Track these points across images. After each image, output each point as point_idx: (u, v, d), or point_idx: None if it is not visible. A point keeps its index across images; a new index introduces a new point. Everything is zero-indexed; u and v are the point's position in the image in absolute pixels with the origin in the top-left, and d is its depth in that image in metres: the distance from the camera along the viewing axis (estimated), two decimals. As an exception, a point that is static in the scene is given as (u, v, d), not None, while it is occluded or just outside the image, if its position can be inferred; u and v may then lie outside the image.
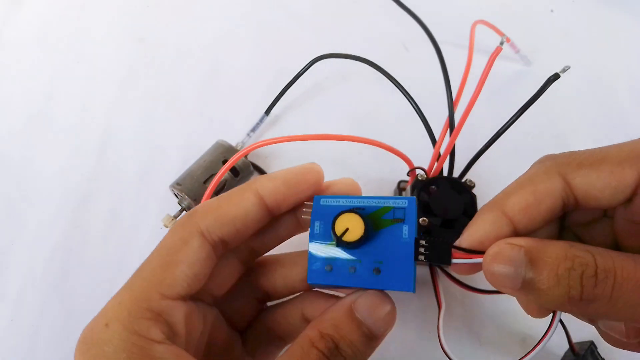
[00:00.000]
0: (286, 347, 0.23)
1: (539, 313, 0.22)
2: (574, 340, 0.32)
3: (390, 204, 0.24)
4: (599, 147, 0.19)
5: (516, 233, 0.20)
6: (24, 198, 0.41)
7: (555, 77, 0.25)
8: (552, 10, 0.54)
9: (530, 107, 0.39)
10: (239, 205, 0.21)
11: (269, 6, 0.53)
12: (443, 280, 0.37)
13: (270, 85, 0.45)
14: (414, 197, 0.26)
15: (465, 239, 0.20)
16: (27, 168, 0.43)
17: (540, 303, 0.19)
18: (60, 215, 0.40)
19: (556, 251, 0.17)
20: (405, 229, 0.23)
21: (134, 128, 0.45)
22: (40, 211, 0.41)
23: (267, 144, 0.33)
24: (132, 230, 0.40)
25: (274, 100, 0.43)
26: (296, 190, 0.23)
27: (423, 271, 0.38)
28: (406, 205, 0.24)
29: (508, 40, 0.45)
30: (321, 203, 0.24)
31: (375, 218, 0.23)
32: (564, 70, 0.24)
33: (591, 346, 0.33)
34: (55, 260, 0.38)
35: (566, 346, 0.33)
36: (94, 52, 0.50)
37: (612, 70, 0.49)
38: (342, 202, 0.24)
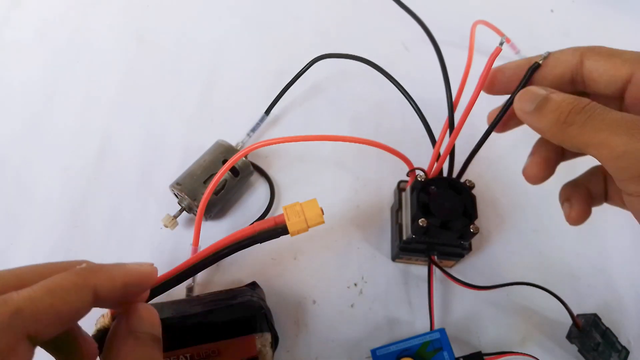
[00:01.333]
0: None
1: (577, 219, 0.29)
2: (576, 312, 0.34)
3: (427, 338, 0.33)
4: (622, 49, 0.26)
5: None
6: (24, 198, 0.41)
7: (537, 66, 0.27)
8: (552, 10, 0.54)
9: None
10: (71, 305, 0.20)
11: (269, 6, 0.53)
12: (443, 280, 0.38)
13: (270, 85, 0.45)
14: (443, 328, 0.33)
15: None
16: (27, 168, 0.43)
17: (538, 126, 0.25)
18: (60, 215, 0.40)
19: (566, 95, 0.24)
20: (445, 355, 0.32)
21: (133, 128, 0.45)
22: (40, 211, 0.41)
23: (267, 145, 0.33)
24: (132, 230, 0.40)
25: (274, 100, 0.43)
26: (131, 293, 0.23)
27: (422, 271, 0.39)
28: (439, 336, 0.32)
29: (508, 40, 0.45)
30: (378, 354, 0.33)
31: (421, 353, 0.32)
32: (544, 58, 0.27)
33: (595, 318, 0.34)
34: (55, 260, 0.37)
35: (569, 323, 0.34)
36: (94, 52, 0.50)
37: None
38: (393, 348, 0.33)
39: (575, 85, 0.27)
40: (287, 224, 0.27)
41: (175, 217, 0.38)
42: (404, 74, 0.38)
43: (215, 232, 0.40)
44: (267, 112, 0.44)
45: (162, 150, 0.44)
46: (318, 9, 0.53)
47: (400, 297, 0.38)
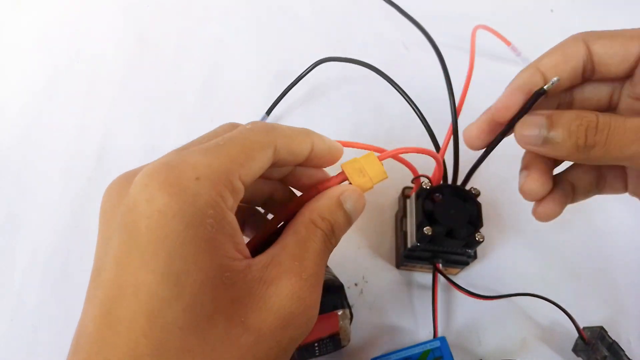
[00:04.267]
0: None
1: (547, 215, 0.28)
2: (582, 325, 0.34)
3: (428, 347, 0.32)
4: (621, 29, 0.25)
5: (545, 83, 0.25)
6: (24, 198, 0.41)
7: (542, 92, 0.25)
8: (552, 10, 0.53)
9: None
10: (301, 145, 0.23)
11: (269, 7, 0.53)
12: (445, 287, 0.37)
13: (270, 87, 0.45)
14: (444, 337, 0.33)
15: (508, 87, 0.26)
16: (27, 168, 0.42)
17: (555, 155, 0.25)
18: (60, 215, 0.40)
19: (570, 115, 0.23)
20: None
21: (134, 128, 0.45)
22: (40, 211, 0.40)
23: None
24: None
25: (275, 101, 0.43)
26: (329, 159, 0.26)
27: (425, 278, 0.38)
28: (439, 344, 0.32)
29: (509, 43, 0.44)
30: None
31: None
32: (552, 84, 0.25)
33: (601, 331, 0.33)
34: (55, 260, 0.38)
35: (576, 335, 0.34)
36: (94, 52, 0.49)
37: None
38: (393, 358, 0.32)
39: (585, 75, 0.26)
40: (354, 184, 0.25)
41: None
42: (406, 79, 0.37)
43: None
44: (268, 113, 0.44)
45: (163, 151, 0.42)
46: (319, 11, 0.53)
47: (402, 304, 0.37)
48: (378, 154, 0.26)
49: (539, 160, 0.28)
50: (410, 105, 0.35)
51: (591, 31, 0.25)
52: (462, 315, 0.37)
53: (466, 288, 0.34)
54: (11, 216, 0.40)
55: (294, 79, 0.43)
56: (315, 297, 0.21)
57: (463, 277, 0.38)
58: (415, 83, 0.39)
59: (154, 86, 0.47)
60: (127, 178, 0.21)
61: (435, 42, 0.36)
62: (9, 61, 0.49)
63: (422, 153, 0.28)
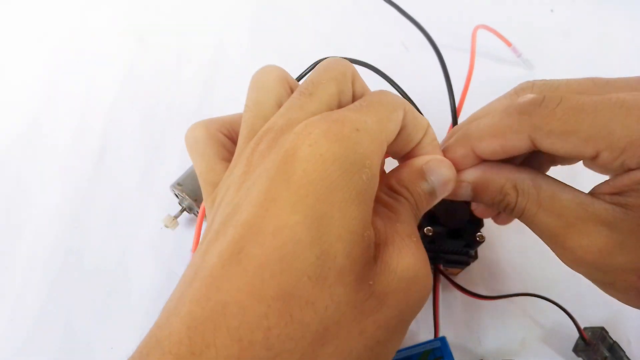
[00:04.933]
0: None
1: (503, 222, 0.30)
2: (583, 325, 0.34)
3: (428, 347, 0.32)
4: (580, 105, 0.21)
5: (480, 160, 0.24)
6: (24, 198, 0.41)
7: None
8: (552, 10, 0.53)
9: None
10: (423, 123, 0.23)
11: (269, 7, 0.53)
12: (445, 287, 0.37)
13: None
14: (444, 337, 0.32)
15: (446, 152, 0.25)
16: (27, 168, 0.43)
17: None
18: (60, 215, 0.40)
19: (492, 187, 0.23)
20: None
21: (134, 128, 0.45)
22: (40, 211, 0.41)
23: None
24: (132, 230, 0.40)
25: (275, 101, 0.43)
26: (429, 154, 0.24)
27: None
28: (440, 345, 0.32)
29: (510, 44, 0.44)
30: None
31: None
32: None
33: (602, 332, 0.33)
34: (55, 260, 0.38)
35: (576, 335, 0.34)
36: (94, 52, 0.49)
37: (611, 70, 0.48)
38: (393, 357, 0.30)
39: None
40: None
41: (176, 217, 0.38)
42: (406, 77, 0.37)
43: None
44: (270, 112, 0.43)
45: (163, 151, 0.43)
46: (319, 11, 0.53)
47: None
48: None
49: None
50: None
51: (539, 118, 0.21)
52: (462, 315, 0.37)
53: (467, 288, 0.34)
54: (11, 216, 0.40)
55: (294, 78, 0.42)
56: (429, 266, 0.20)
57: (463, 277, 0.38)
58: (415, 83, 0.38)
59: (154, 86, 0.47)
60: (274, 131, 0.20)
61: (435, 42, 0.36)
62: (10, 61, 0.49)
63: None
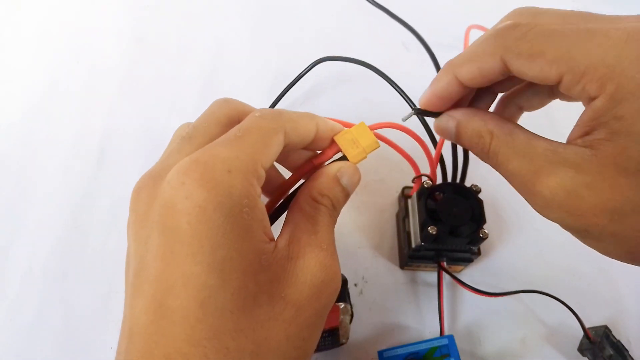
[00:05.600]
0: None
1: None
2: (589, 325, 0.34)
3: (435, 344, 0.32)
4: (550, 31, 0.22)
5: (465, 88, 0.25)
6: (24, 198, 0.41)
7: (415, 112, 0.27)
8: None
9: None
10: (307, 127, 0.25)
11: (269, 7, 0.53)
12: (449, 285, 0.37)
13: (270, 86, 0.45)
14: (452, 335, 0.33)
15: (428, 93, 0.26)
16: (27, 168, 0.42)
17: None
18: (60, 215, 0.40)
19: (471, 128, 0.24)
20: None
21: (133, 128, 0.45)
22: (39, 211, 0.40)
23: None
24: None
25: (274, 101, 0.43)
26: (329, 138, 0.26)
27: (429, 276, 0.38)
28: (447, 342, 0.32)
29: None
30: (385, 356, 0.33)
31: (429, 358, 0.32)
32: (409, 116, 0.27)
33: (606, 331, 0.33)
34: (55, 260, 0.38)
35: (581, 334, 0.34)
36: (94, 52, 0.49)
37: None
38: (400, 352, 0.33)
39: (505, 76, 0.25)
40: (348, 157, 0.26)
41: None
42: (405, 76, 0.37)
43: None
44: (269, 112, 0.43)
45: (163, 150, 0.43)
46: (319, 11, 0.53)
47: (405, 303, 0.37)
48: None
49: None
50: (408, 104, 0.35)
51: (511, 41, 0.23)
52: (466, 313, 0.37)
53: (470, 285, 0.34)
54: (11, 216, 0.40)
55: (293, 78, 0.42)
56: (337, 264, 0.23)
57: (466, 274, 0.38)
58: (414, 82, 0.39)
59: (154, 86, 0.47)
60: (153, 178, 0.22)
61: (426, 42, 0.36)
62: (10, 61, 0.48)
63: (405, 132, 0.30)
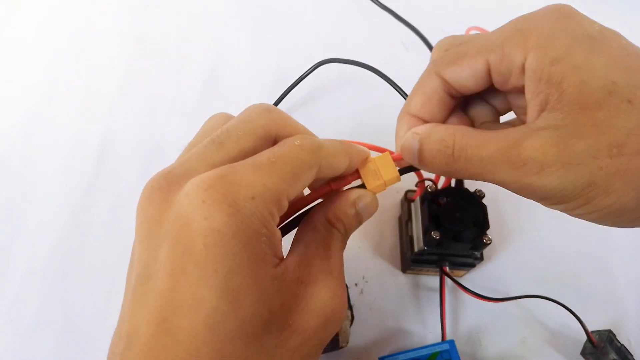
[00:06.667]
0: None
1: None
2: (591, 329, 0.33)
3: (437, 349, 0.32)
4: (471, 38, 0.25)
5: (425, 122, 0.26)
6: (24, 198, 0.41)
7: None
8: None
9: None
10: (343, 164, 0.24)
11: (270, 8, 0.52)
12: (451, 290, 0.37)
13: (271, 87, 0.45)
14: (452, 340, 0.33)
15: (398, 144, 0.26)
16: (27, 168, 0.42)
17: (431, 171, 0.25)
18: (60, 215, 0.40)
19: (434, 137, 0.24)
20: None
21: (134, 128, 0.44)
22: (40, 211, 0.40)
23: None
24: (132, 230, 0.38)
25: (275, 102, 0.43)
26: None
27: (431, 281, 0.38)
28: (448, 347, 0.32)
29: None
30: None
31: None
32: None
33: (610, 335, 0.33)
34: (55, 260, 0.38)
35: (584, 338, 0.34)
36: (94, 53, 0.49)
37: None
38: (401, 358, 0.32)
39: (453, 95, 0.26)
40: (367, 187, 0.26)
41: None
42: (406, 77, 0.37)
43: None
44: (270, 113, 0.43)
45: (163, 151, 0.43)
46: (320, 12, 0.52)
47: (406, 307, 0.37)
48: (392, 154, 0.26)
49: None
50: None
51: (441, 57, 0.25)
52: (468, 318, 0.37)
53: (473, 290, 0.34)
54: (11, 216, 0.40)
55: (295, 79, 0.42)
56: (345, 293, 0.23)
57: (468, 278, 0.38)
58: (415, 79, 0.38)
59: (154, 87, 0.47)
60: (169, 181, 0.21)
61: (428, 40, 0.35)
62: (11, 62, 0.48)
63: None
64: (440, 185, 0.33)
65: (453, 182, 0.35)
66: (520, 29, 0.22)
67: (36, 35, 0.50)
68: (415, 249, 0.34)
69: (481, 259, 0.35)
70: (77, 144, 0.43)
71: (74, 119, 0.45)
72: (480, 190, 0.33)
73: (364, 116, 0.46)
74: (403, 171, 0.26)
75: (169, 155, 0.42)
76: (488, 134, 0.22)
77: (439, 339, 0.34)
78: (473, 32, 0.41)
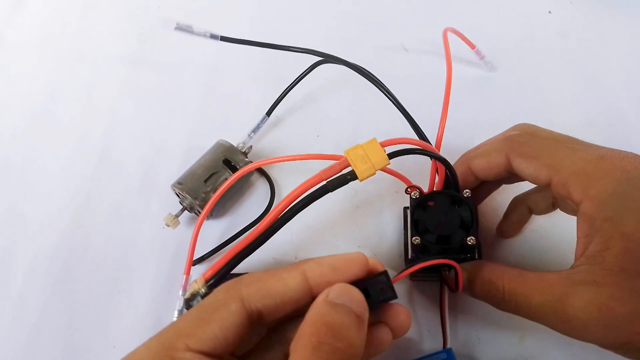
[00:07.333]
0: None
1: (510, 235, 0.38)
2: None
3: (434, 359, 0.32)
4: (545, 144, 0.28)
5: (476, 177, 0.32)
6: (27, 198, 0.42)
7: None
8: (549, 12, 0.52)
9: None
10: (283, 281, 0.22)
11: (270, 8, 0.52)
12: (450, 295, 0.36)
13: (271, 87, 0.45)
14: (450, 348, 0.32)
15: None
16: (29, 168, 0.43)
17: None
18: (62, 214, 0.41)
19: (482, 278, 0.28)
20: None
21: (135, 128, 0.45)
22: (42, 210, 0.41)
23: (272, 162, 0.35)
24: (133, 229, 0.40)
25: (275, 102, 0.43)
26: (340, 278, 0.23)
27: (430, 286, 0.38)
28: (446, 357, 0.32)
29: (473, 47, 0.44)
30: None
31: None
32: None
33: None
34: (57, 259, 0.39)
35: None
36: (96, 53, 0.49)
37: (610, 71, 0.47)
38: None
39: (509, 173, 0.30)
40: (356, 172, 0.26)
41: (177, 216, 0.38)
42: (406, 78, 0.37)
43: (215, 231, 0.40)
44: (268, 113, 0.44)
45: (164, 150, 0.44)
46: (319, 12, 0.52)
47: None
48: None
49: (519, 208, 0.35)
50: (401, 112, 0.35)
51: (517, 144, 0.29)
52: (466, 321, 0.35)
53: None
54: (13, 216, 0.41)
55: (293, 80, 0.42)
56: None
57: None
58: (414, 84, 0.38)
59: (155, 87, 0.47)
60: None
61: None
62: (12, 62, 0.49)
63: (420, 146, 0.30)
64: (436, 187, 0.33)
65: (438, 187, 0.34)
66: (589, 173, 0.25)
67: (38, 36, 0.50)
68: (409, 256, 0.33)
69: (480, 259, 0.33)
70: (79, 143, 0.44)
71: (76, 120, 0.45)
72: (467, 191, 0.32)
73: (363, 116, 0.46)
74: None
75: (171, 155, 0.43)
76: (534, 281, 0.25)
77: (439, 345, 0.33)
78: (449, 33, 0.40)
